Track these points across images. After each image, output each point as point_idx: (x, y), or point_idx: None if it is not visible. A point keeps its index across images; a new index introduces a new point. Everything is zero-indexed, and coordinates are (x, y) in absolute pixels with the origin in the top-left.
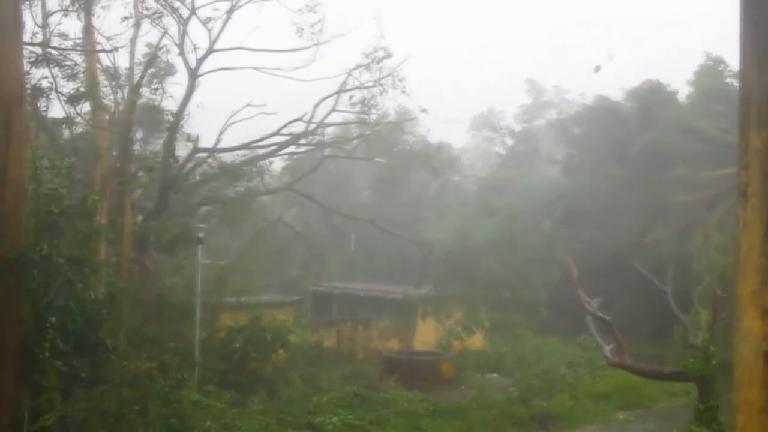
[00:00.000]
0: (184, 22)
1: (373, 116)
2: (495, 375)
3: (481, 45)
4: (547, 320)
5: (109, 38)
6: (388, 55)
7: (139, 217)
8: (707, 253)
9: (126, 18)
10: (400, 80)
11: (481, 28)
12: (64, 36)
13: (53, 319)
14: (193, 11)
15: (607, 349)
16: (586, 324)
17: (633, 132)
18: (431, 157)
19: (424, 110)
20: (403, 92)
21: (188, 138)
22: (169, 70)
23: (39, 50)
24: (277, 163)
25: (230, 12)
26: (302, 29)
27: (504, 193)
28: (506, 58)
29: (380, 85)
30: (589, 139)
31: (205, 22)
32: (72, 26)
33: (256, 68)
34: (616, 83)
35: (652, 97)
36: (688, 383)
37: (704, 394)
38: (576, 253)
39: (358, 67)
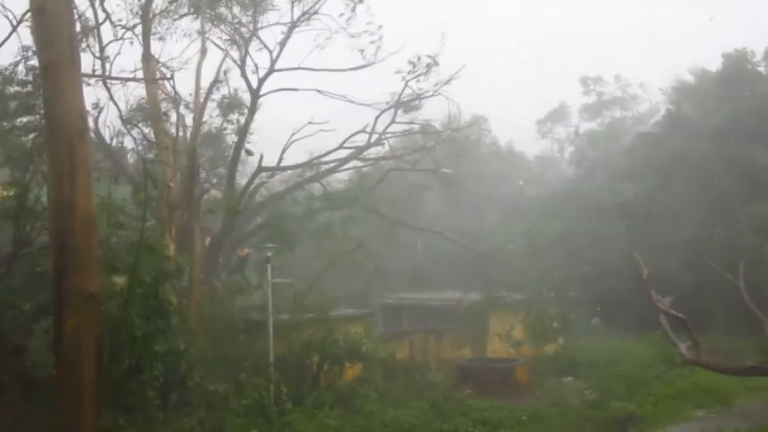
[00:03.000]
0: (245, 43)
1: (435, 125)
2: (570, 378)
3: (534, 41)
4: (620, 320)
5: (169, 66)
6: (435, 62)
7: (208, 239)
8: None
9: (189, 42)
10: (447, 83)
11: (530, 23)
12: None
13: (156, 348)
14: (254, 32)
15: (683, 346)
16: (660, 323)
17: (704, 122)
18: (497, 164)
19: (473, 123)
20: (451, 100)
21: (249, 153)
22: (233, 97)
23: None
24: (341, 177)
25: (290, 31)
26: (363, 50)
27: (572, 195)
28: (564, 51)
29: (437, 93)
30: (658, 137)
31: (266, 44)
32: (132, 56)
33: (318, 90)
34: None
35: (733, 69)
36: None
37: None
38: (647, 252)
39: (412, 76)
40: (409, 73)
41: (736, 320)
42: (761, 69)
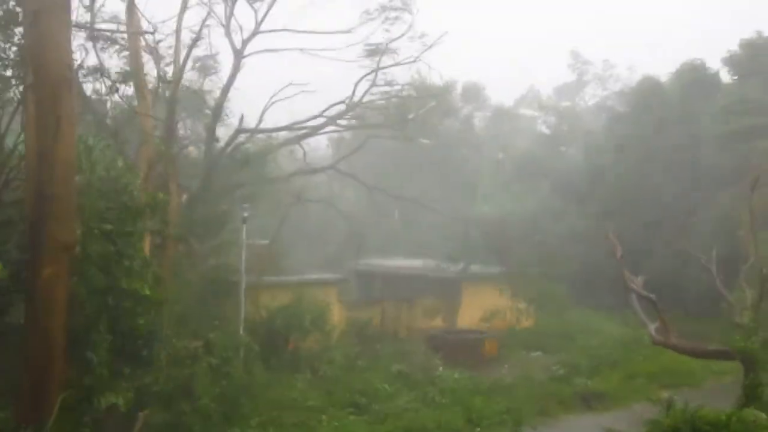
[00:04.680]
0: (231, 2)
1: (413, 93)
2: (539, 353)
3: (525, 20)
4: (592, 296)
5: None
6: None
7: (184, 197)
8: (753, 231)
9: None
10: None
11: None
12: (110, 18)
13: (109, 301)
14: None
15: (652, 327)
16: (631, 302)
17: (678, 112)
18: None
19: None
20: (431, 67)
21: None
22: (213, 52)
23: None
24: (322, 141)
25: None
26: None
27: (547, 171)
28: (553, 32)
29: (418, 60)
30: (635, 118)
31: (252, 2)
32: (116, 7)
33: (300, 50)
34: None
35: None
36: (734, 362)
37: (750, 372)
38: (620, 231)
39: (393, 40)
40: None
41: (707, 304)
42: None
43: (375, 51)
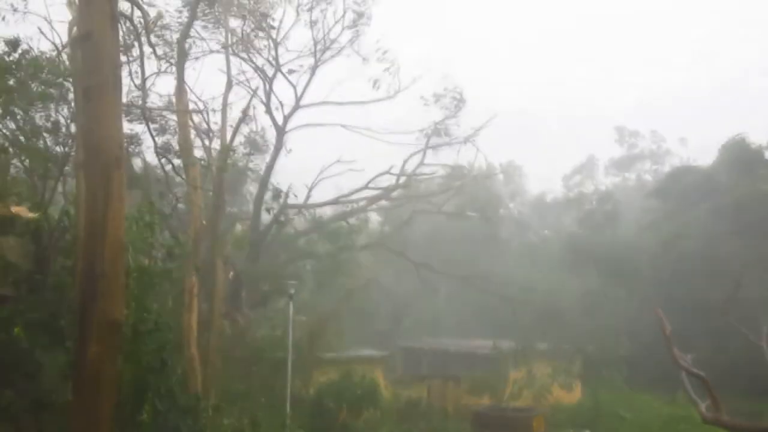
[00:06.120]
0: (269, 80)
1: (463, 170)
2: (587, 431)
3: (575, 89)
4: (640, 376)
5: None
6: (461, 99)
7: (231, 273)
8: None
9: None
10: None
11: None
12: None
13: (154, 380)
14: (278, 68)
15: (702, 405)
16: (681, 380)
17: (723, 190)
18: (525, 211)
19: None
20: (479, 151)
21: (278, 194)
22: (259, 128)
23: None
24: (369, 218)
25: (314, 68)
26: (378, 81)
27: (594, 249)
28: (602, 104)
29: (469, 141)
30: (682, 198)
31: (290, 79)
32: (165, 86)
33: (343, 126)
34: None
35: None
36: None
37: None
38: (669, 309)
39: (445, 119)
40: (440, 106)
41: (759, 382)
42: None
43: (425, 131)
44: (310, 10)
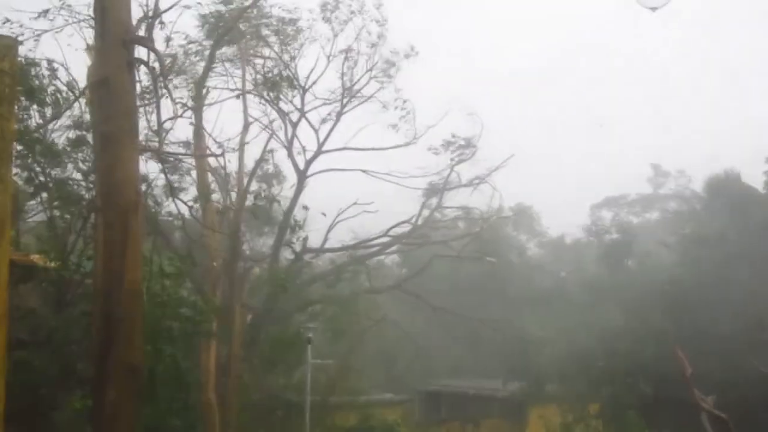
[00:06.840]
0: (293, 125)
1: (478, 210)
2: None
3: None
4: (661, 416)
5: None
6: (473, 146)
7: (249, 317)
8: None
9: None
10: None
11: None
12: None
13: (172, 422)
14: (303, 114)
15: None
16: (701, 422)
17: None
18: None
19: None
20: (495, 190)
21: (297, 238)
22: (278, 173)
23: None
24: (387, 260)
25: (339, 114)
26: (397, 126)
27: (613, 289)
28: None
29: (485, 182)
30: (699, 234)
31: (313, 125)
32: (184, 130)
33: (363, 171)
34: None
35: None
36: None
37: None
38: (689, 350)
39: (461, 161)
40: (451, 151)
41: None
42: None
43: (439, 175)
44: (345, 60)
